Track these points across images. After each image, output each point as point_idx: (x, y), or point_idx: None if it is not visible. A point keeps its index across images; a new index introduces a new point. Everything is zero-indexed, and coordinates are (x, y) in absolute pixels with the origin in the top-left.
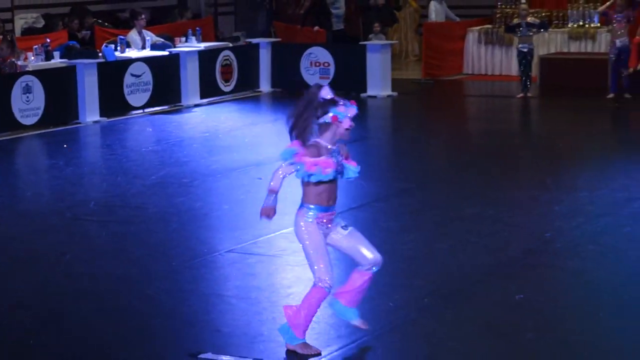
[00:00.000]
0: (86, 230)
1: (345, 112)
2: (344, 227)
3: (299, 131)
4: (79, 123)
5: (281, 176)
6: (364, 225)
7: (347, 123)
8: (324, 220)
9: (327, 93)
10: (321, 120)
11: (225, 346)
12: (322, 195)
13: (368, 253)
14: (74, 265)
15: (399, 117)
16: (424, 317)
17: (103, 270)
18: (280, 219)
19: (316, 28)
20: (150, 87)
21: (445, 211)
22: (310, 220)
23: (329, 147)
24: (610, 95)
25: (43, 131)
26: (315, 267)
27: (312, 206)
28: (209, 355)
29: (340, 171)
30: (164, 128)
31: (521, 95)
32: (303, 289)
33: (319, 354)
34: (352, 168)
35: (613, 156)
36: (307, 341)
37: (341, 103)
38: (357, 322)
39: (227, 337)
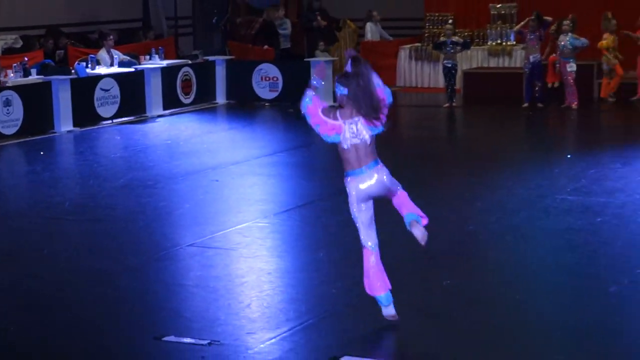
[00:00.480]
0: (62, 228)
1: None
2: (381, 181)
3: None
4: (55, 132)
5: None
6: (309, 221)
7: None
8: (374, 174)
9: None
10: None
11: (187, 330)
12: (350, 160)
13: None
14: (52, 259)
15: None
16: (364, 303)
17: (77, 264)
18: (235, 216)
19: (266, 47)
20: (118, 100)
21: (380, 207)
22: (349, 186)
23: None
24: (525, 105)
25: (22, 140)
26: (359, 232)
27: (347, 172)
28: (172, 338)
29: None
30: (131, 136)
31: (447, 105)
32: (255, 278)
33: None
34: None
35: (528, 158)
36: (258, 324)
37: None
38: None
39: (188, 322)
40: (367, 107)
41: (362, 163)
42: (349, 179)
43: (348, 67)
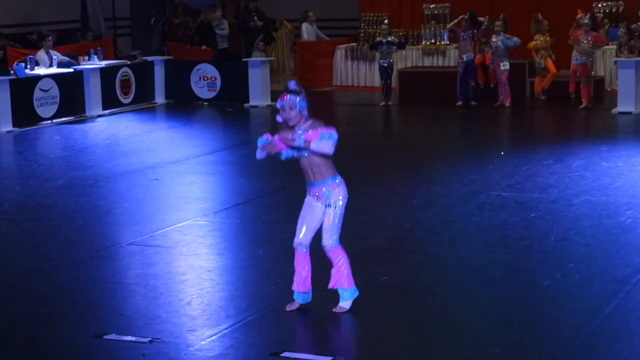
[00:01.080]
0: (1, 227)
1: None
2: (328, 206)
3: None
4: None
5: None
6: (248, 218)
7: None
8: (316, 194)
9: (291, 85)
10: None
11: (128, 328)
12: (304, 172)
13: (324, 235)
14: None
15: (278, 123)
16: None
17: (16, 262)
18: (174, 214)
19: (204, 47)
20: (58, 100)
21: None
22: (308, 193)
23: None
24: (459, 103)
25: None
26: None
27: (337, 175)
28: (112, 336)
29: (296, 149)
30: (70, 136)
31: (383, 103)
32: (195, 275)
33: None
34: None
35: (462, 155)
36: (199, 322)
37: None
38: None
39: (129, 320)
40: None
41: None
42: (337, 181)
43: (293, 86)
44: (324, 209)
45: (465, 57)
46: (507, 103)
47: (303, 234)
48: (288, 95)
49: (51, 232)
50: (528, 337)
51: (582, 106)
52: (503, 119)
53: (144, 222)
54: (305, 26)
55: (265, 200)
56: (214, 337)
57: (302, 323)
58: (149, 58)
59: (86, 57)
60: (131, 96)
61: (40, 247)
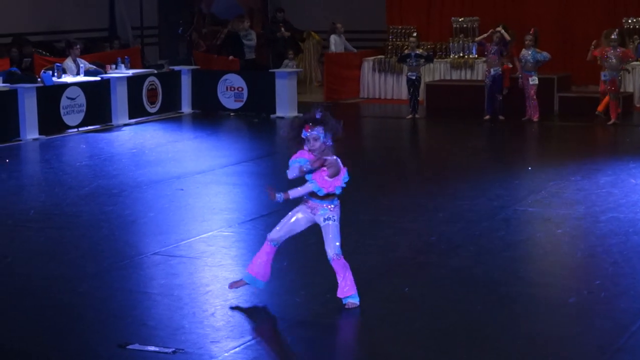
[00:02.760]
0: (26, 236)
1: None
2: (324, 219)
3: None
4: (20, 140)
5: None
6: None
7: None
8: (313, 207)
9: (317, 114)
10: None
11: (151, 338)
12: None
13: (326, 249)
14: (15, 267)
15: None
16: (326, 310)
17: (41, 271)
18: (199, 225)
19: (231, 57)
20: (84, 108)
21: (344, 217)
22: (304, 202)
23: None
24: (487, 117)
25: None
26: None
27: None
28: (136, 346)
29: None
30: (96, 145)
31: (410, 116)
32: (219, 286)
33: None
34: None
35: (489, 169)
36: (222, 333)
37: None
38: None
39: (152, 330)
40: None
41: None
42: (333, 206)
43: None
44: (311, 219)
45: (493, 71)
46: (535, 118)
47: (277, 232)
48: (313, 128)
49: (76, 241)
50: (553, 354)
51: (610, 122)
52: (531, 133)
53: (168, 232)
54: (333, 38)
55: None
56: (237, 349)
57: (325, 336)
58: (176, 67)
59: (113, 66)
60: (158, 105)
61: (65, 256)
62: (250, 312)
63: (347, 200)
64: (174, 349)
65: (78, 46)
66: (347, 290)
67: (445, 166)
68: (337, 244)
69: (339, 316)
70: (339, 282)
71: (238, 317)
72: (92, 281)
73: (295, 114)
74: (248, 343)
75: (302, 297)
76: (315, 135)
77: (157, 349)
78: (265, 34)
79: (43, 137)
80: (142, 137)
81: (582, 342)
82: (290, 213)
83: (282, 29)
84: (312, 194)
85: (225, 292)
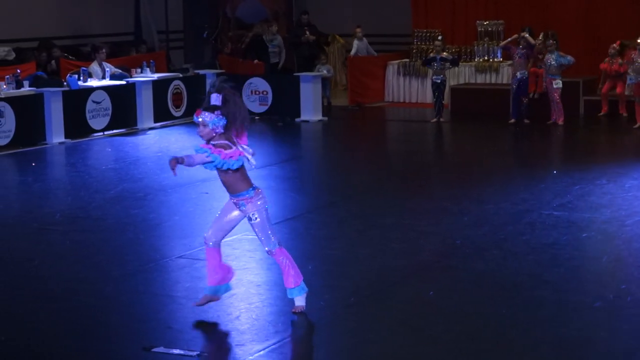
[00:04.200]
0: (52, 239)
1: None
2: (249, 219)
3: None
4: (46, 144)
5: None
6: (298, 233)
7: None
8: (235, 203)
9: (212, 99)
10: None
11: (176, 341)
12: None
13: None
14: (40, 270)
15: (329, 139)
16: (350, 314)
17: (66, 274)
18: None
19: (256, 61)
20: (110, 112)
21: (368, 220)
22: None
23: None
24: (512, 121)
25: (14, 151)
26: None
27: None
28: (161, 349)
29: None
30: (122, 148)
31: (435, 120)
32: (244, 290)
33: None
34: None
35: (514, 173)
36: (247, 336)
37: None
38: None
39: (177, 333)
40: (244, 120)
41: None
42: (249, 195)
43: (214, 100)
44: (241, 216)
45: (519, 75)
46: (560, 121)
47: (211, 231)
48: (203, 113)
49: (101, 244)
50: (578, 358)
51: (636, 126)
52: (556, 137)
53: (193, 236)
54: (355, 42)
55: (315, 215)
56: (262, 352)
57: (348, 339)
58: (201, 71)
59: (139, 70)
60: (183, 109)
61: (90, 259)
62: (275, 316)
63: (370, 204)
64: (198, 352)
65: (104, 50)
66: (295, 278)
67: (470, 170)
68: (271, 239)
69: (363, 319)
70: (283, 273)
71: (263, 320)
72: (117, 284)
73: (319, 117)
74: (273, 346)
75: (326, 301)
76: (204, 121)
77: (182, 352)
78: (290, 38)
79: (69, 140)
80: (167, 140)
81: (608, 347)
82: (220, 211)
83: (307, 32)
84: (230, 190)
85: (250, 296)
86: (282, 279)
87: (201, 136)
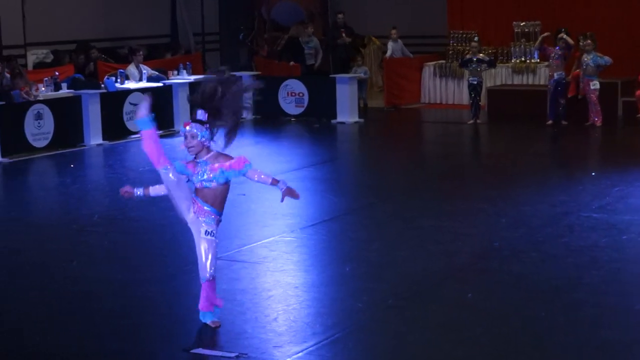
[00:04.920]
0: (90, 240)
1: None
2: (205, 232)
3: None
4: (84, 146)
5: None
6: (335, 235)
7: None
8: (200, 211)
9: (199, 114)
10: None
11: (215, 342)
12: (198, 193)
13: (201, 267)
14: (80, 271)
15: (365, 140)
16: (388, 316)
17: (105, 275)
18: (261, 230)
19: (292, 63)
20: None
21: (406, 222)
22: (193, 204)
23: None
24: (549, 122)
25: (52, 153)
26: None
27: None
28: (200, 350)
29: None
30: None
31: (471, 121)
32: (282, 291)
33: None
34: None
35: (551, 175)
36: (285, 338)
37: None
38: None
39: (216, 334)
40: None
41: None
42: (219, 218)
43: (200, 116)
44: (197, 228)
45: (556, 75)
46: (598, 123)
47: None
48: (192, 124)
49: (139, 245)
50: None
51: None
52: (594, 138)
53: (230, 238)
54: (390, 44)
55: (352, 217)
56: (300, 354)
57: (386, 341)
58: (237, 73)
59: (175, 72)
60: None
61: (128, 260)
62: (313, 318)
63: (408, 206)
64: (237, 354)
65: (141, 52)
66: (203, 305)
67: (506, 171)
68: (213, 265)
69: (402, 321)
70: (202, 296)
71: (300, 322)
72: (157, 285)
73: (355, 119)
74: (310, 348)
75: (364, 303)
76: (193, 132)
77: (220, 353)
78: (326, 40)
79: (106, 142)
80: None
81: None
82: (195, 240)
83: (343, 34)
84: (210, 201)
85: (287, 297)
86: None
87: (189, 147)
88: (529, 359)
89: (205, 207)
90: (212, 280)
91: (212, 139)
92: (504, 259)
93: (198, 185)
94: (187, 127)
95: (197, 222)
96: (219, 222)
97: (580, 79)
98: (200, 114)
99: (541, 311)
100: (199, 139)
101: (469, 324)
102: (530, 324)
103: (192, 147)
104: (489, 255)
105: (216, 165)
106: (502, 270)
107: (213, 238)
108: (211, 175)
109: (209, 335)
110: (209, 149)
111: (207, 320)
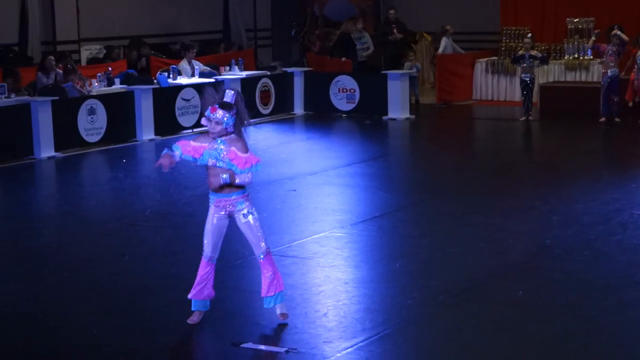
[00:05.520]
0: (142, 235)
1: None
2: (244, 216)
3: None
4: (136, 141)
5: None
6: (386, 231)
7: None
8: (221, 205)
9: (227, 96)
10: None
11: (264, 337)
12: (210, 180)
13: (254, 246)
14: (132, 265)
15: (416, 137)
16: (439, 313)
17: (157, 270)
18: (312, 225)
19: (343, 59)
20: (199, 109)
21: (457, 219)
22: (210, 203)
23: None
24: (602, 119)
25: (105, 148)
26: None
27: (210, 192)
28: (249, 344)
29: (214, 160)
30: None
31: (523, 118)
32: (332, 287)
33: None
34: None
35: (604, 172)
36: (335, 333)
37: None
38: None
39: (265, 329)
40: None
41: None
42: (247, 193)
43: (229, 98)
44: (228, 221)
45: (610, 72)
46: None
47: (210, 248)
48: (219, 111)
49: (190, 240)
50: None
51: None
52: None
53: (281, 233)
54: (443, 39)
55: (403, 213)
56: (350, 350)
57: (436, 338)
58: (289, 69)
59: (227, 68)
60: (270, 107)
61: (180, 255)
62: (363, 313)
63: (459, 202)
64: (287, 349)
65: (194, 49)
66: (277, 286)
67: (558, 168)
68: (264, 241)
69: (452, 318)
70: (265, 279)
71: (350, 318)
72: None
73: (407, 115)
74: (360, 344)
75: (414, 299)
76: (219, 118)
77: (270, 348)
78: (378, 36)
79: (159, 137)
80: (255, 138)
81: None
82: (207, 223)
83: (395, 30)
84: (216, 189)
85: (337, 293)
86: (263, 285)
87: (212, 132)
88: (579, 358)
89: (233, 197)
90: (269, 253)
91: (233, 124)
92: (555, 257)
93: (210, 163)
94: (215, 114)
95: (226, 219)
96: (247, 196)
97: (635, 79)
98: (229, 95)
99: (593, 310)
100: (223, 125)
101: (520, 322)
102: (581, 322)
103: (215, 132)
104: (541, 253)
105: (232, 149)
106: (553, 268)
107: (252, 215)
108: (224, 159)
109: (258, 330)
110: (229, 133)
111: (278, 303)
